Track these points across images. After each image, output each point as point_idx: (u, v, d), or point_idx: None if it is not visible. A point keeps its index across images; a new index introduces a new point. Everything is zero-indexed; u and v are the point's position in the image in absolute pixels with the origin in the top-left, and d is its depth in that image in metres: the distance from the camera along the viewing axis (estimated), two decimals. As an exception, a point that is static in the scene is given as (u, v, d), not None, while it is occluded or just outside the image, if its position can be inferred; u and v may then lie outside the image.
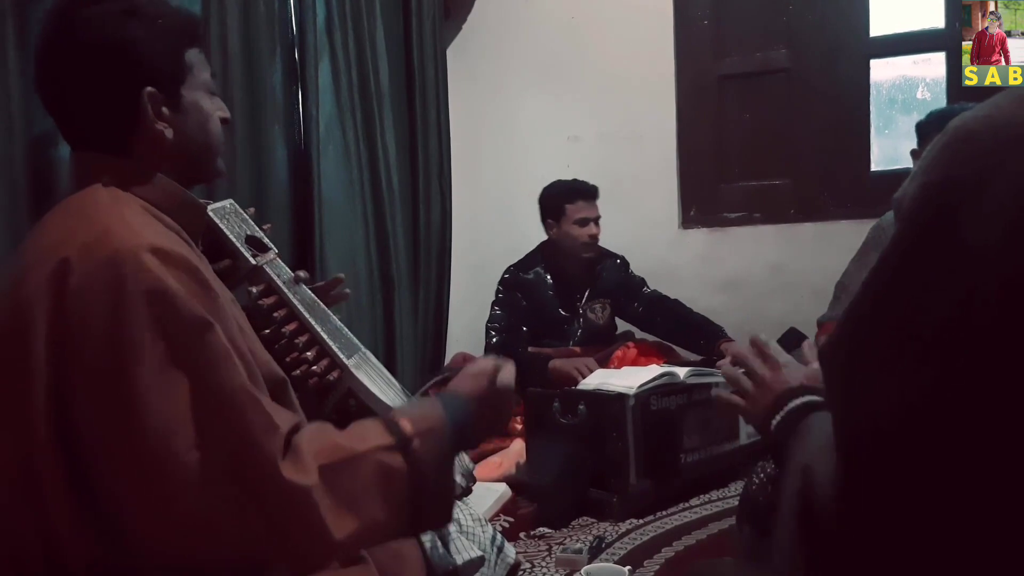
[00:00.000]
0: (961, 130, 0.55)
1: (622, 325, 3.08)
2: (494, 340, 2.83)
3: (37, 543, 0.84)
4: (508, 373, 1.05)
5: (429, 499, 0.92)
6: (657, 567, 1.90)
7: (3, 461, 0.85)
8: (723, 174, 3.33)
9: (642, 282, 3.01)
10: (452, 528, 1.20)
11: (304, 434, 0.87)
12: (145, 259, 0.83)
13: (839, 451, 0.58)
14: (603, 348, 2.85)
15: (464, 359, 3.13)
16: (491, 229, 3.50)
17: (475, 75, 3.53)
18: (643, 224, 3.31)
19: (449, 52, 3.45)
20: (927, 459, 0.53)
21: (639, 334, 3.02)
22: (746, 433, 2.46)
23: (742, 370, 0.99)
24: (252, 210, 1.22)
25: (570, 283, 2.95)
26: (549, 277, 2.93)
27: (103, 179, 0.93)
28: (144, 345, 0.81)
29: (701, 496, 2.33)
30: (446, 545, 1.16)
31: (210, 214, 1.09)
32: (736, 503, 1.70)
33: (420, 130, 3.15)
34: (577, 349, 2.85)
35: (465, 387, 1.02)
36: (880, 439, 0.55)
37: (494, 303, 2.92)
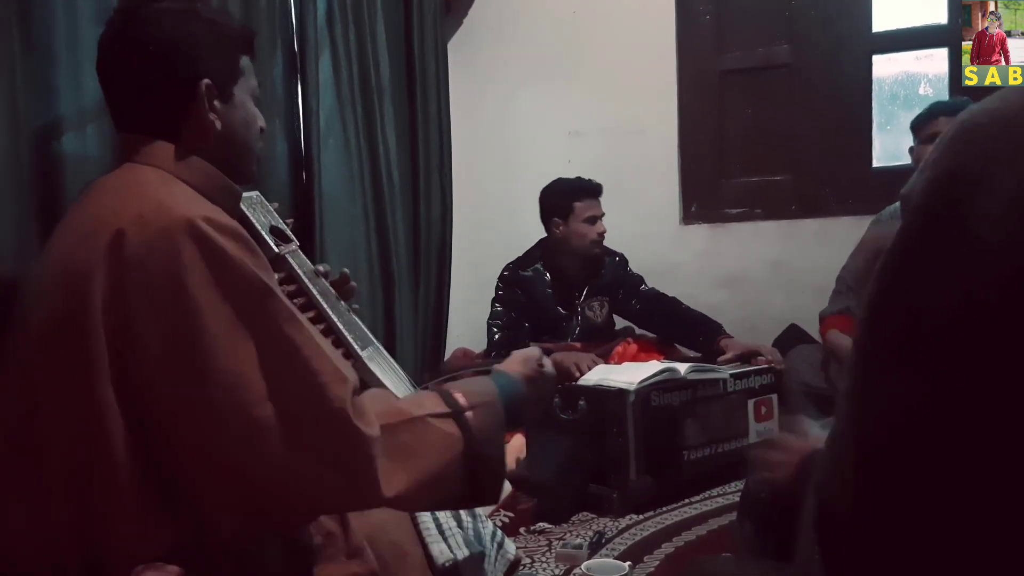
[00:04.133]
0: (968, 123, 0.55)
1: (621, 322, 3.07)
2: (496, 337, 2.84)
3: (82, 536, 0.85)
4: (551, 361, 1.18)
5: (483, 468, 0.97)
6: (657, 563, 1.90)
7: (63, 439, 0.85)
8: (724, 170, 3.33)
9: (640, 280, 3.00)
10: (452, 524, 1.20)
11: (366, 396, 0.92)
12: (201, 227, 0.86)
13: (850, 451, 0.58)
14: (601, 345, 2.84)
15: (464, 355, 3.12)
16: (491, 225, 3.49)
17: (476, 70, 3.52)
18: (644, 220, 3.30)
19: (450, 46, 3.44)
20: (931, 458, 0.53)
21: (639, 330, 3.01)
22: (755, 432, 2.45)
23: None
24: (277, 204, 1.26)
25: (569, 281, 2.95)
26: (548, 275, 2.93)
27: (149, 160, 0.98)
28: (209, 307, 0.84)
29: (702, 492, 2.33)
30: (446, 541, 1.16)
31: None
32: (736, 499, 1.70)
33: (421, 125, 3.14)
34: (577, 345, 2.85)
35: (515, 368, 1.12)
36: (889, 435, 0.54)
37: (494, 300, 2.92)
